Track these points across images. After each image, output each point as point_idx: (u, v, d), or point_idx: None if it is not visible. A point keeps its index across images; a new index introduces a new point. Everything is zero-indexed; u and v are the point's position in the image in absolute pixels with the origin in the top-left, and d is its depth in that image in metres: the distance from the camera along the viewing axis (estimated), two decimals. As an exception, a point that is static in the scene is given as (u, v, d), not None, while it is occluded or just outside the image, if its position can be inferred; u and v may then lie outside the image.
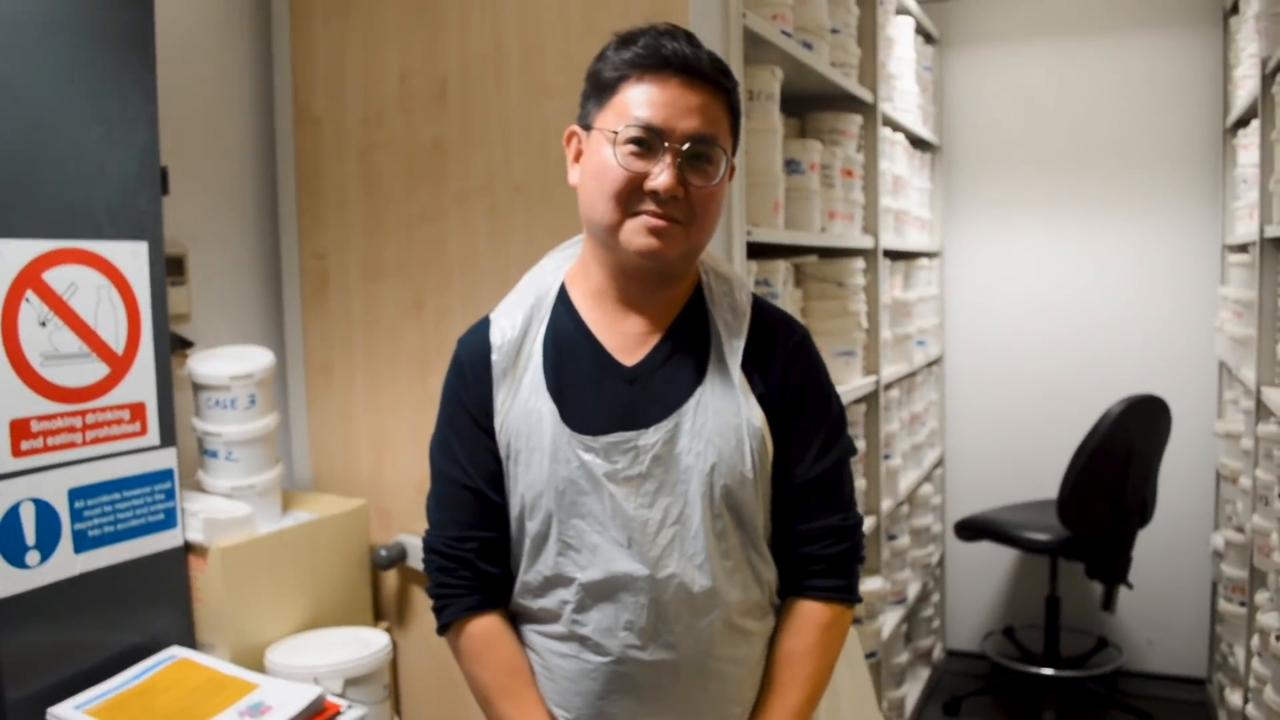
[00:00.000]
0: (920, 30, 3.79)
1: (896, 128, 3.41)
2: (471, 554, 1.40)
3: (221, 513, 1.90)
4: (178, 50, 2.12)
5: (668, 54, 1.29)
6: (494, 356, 1.40)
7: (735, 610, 1.37)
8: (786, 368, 1.41)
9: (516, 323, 1.41)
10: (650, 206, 1.30)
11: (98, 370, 1.71)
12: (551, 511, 1.35)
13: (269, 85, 2.38)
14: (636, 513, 1.34)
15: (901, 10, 3.51)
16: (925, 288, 3.92)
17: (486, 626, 1.42)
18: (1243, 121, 3.36)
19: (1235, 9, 3.53)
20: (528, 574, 1.40)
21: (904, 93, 3.50)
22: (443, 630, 1.45)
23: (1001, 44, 4.21)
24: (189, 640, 1.87)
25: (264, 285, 2.40)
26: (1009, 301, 4.26)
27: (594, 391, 1.37)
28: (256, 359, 2.03)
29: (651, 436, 1.34)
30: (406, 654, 2.28)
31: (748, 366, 1.39)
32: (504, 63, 2.08)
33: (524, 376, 1.39)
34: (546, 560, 1.37)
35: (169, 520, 1.83)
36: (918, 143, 3.85)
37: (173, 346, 1.89)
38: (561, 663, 1.39)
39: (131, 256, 1.77)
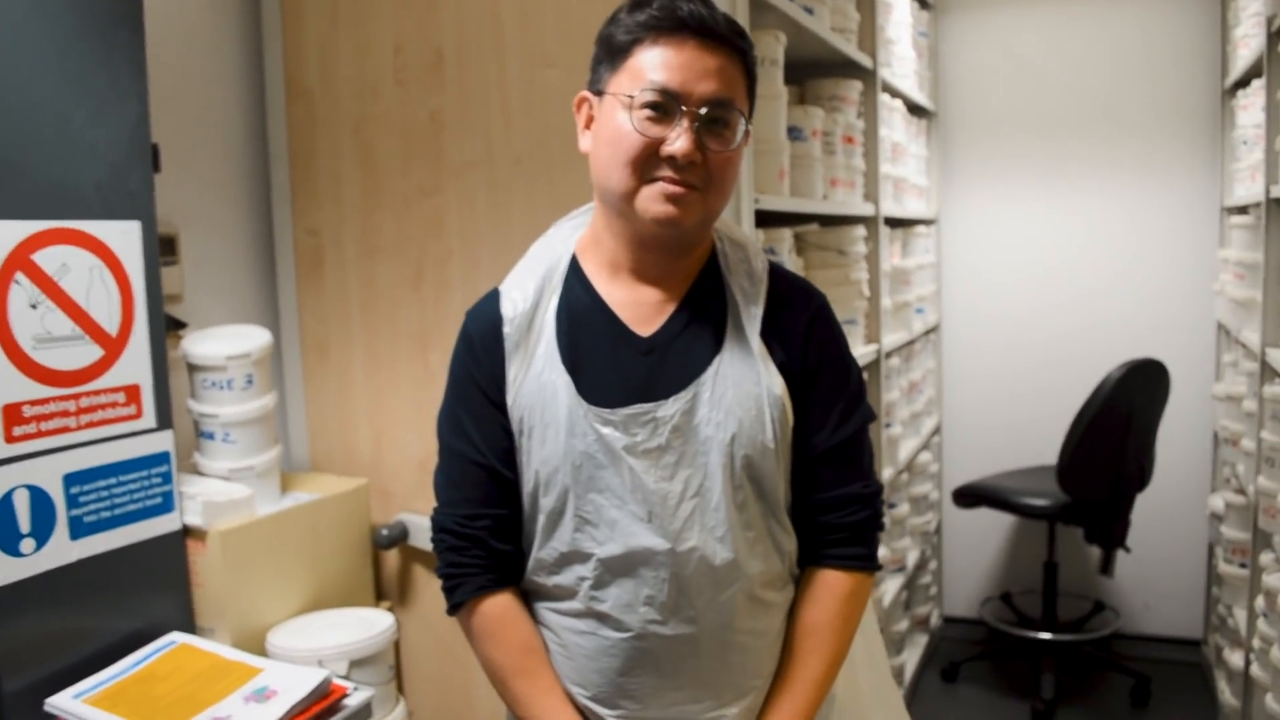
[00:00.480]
0: (916, -6, 3.74)
1: (895, 94, 3.37)
2: (484, 532, 1.38)
3: (220, 495, 1.87)
4: (164, 23, 2.06)
5: (683, 15, 1.25)
6: (506, 329, 1.36)
7: (757, 582, 1.35)
8: (807, 335, 1.39)
9: (528, 294, 1.38)
10: (667, 173, 1.26)
11: (91, 353, 1.67)
12: (568, 487, 1.32)
13: (259, 58, 2.32)
14: (657, 486, 1.31)
15: (898, -26, 3.46)
16: (923, 255, 3.89)
17: (500, 605, 1.39)
18: (1243, 82, 3.32)
19: (1234, -32, 3.49)
20: (542, 550, 1.37)
21: (902, 58, 3.46)
22: (454, 610, 1.42)
23: (996, 8, 4.16)
24: (188, 625, 1.84)
25: (257, 263, 2.36)
26: (1005, 268, 4.23)
27: (610, 363, 1.34)
28: (253, 338, 1.99)
29: (670, 408, 1.31)
30: (409, 634, 2.26)
31: (767, 334, 1.36)
32: (502, 31, 2.02)
33: (537, 349, 1.36)
34: (563, 536, 1.35)
35: (166, 504, 1.79)
36: (914, 109, 3.81)
37: (165, 328, 1.84)
38: (579, 640, 1.37)
39: (123, 236, 1.72)
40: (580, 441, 1.32)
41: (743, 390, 1.33)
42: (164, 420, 1.78)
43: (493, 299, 1.41)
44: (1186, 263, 3.97)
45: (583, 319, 1.37)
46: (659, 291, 1.37)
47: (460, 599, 1.40)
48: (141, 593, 1.75)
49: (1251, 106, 3.21)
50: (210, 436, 1.97)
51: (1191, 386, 3.89)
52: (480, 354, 1.39)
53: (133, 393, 1.74)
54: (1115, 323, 4.07)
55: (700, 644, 1.34)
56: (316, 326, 2.31)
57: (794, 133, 2.46)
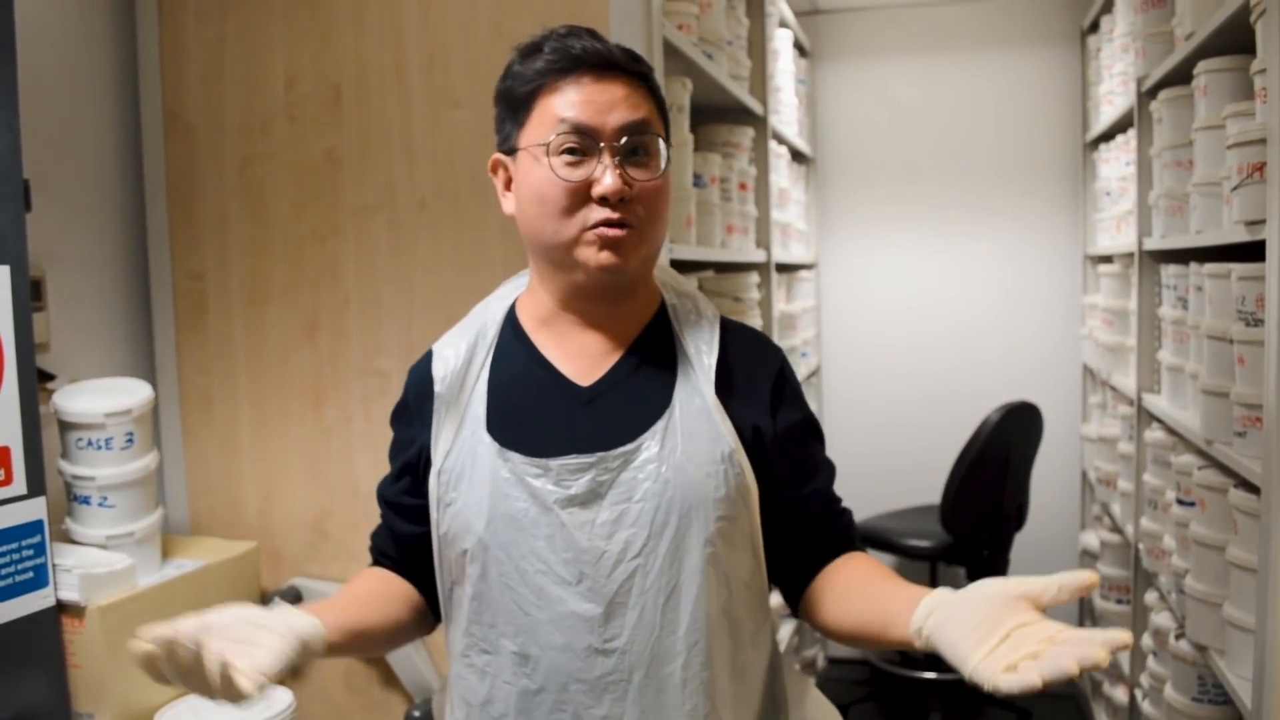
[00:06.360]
0: (795, 44, 3.80)
1: (781, 140, 3.41)
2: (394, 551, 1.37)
3: (99, 566, 1.70)
4: (31, 48, 1.90)
5: (578, 53, 1.20)
6: (437, 388, 1.28)
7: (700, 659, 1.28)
8: (779, 390, 1.33)
9: (460, 351, 1.30)
10: (602, 214, 1.20)
11: (-47, 412, 1.50)
12: (490, 556, 1.24)
13: (135, 88, 2.17)
14: (590, 545, 1.22)
15: (782, 24, 3.51)
16: (806, 300, 3.94)
17: (377, 570, 1.37)
18: (1106, 136, 3.49)
19: (1094, 28, 3.68)
20: (462, 632, 1.28)
21: (787, 105, 3.50)
22: None
23: (870, 58, 4.28)
24: (64, 712, 1.66)
25: (132, 309, 2.19)
26: (882, 311, 4.33)
27: (546, 417, 1.26)
28: (134, 393, 1.83)
29: (613, 460, 1.23)
30: (304, 707, 2.10)
31: (726, 392, 1.29)
32: (406, 70, 1.94)
33: (468, 411, 1.27)
34: (492, 607, 1.25)
35: (40, 579, 1.62)
36: (795, 155, 3.87)
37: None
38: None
39: (-10, 282, 1.56)
40: (503, 503, 1.23)
41: (695, 446, 1.26)
42: (36, 486, 1.61)
43: (428, 358, 1.33)
44: (1053, 307, 4.13)
45: (519, 376, 1.29)
46: (603, 339, 1.30)
47: None
48: (12, 678, 1.57)
49: (1114, 160, 3.38)
50: (85, 501, 1.80)
51: (1060, 427, 4.03)
52: (414, 414, 1.32)
53: (1, 456, 1.56)
54: (988, 365, 4.20)
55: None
56: (198, 378, 2.15)
57: (696, 180, 2.44)
